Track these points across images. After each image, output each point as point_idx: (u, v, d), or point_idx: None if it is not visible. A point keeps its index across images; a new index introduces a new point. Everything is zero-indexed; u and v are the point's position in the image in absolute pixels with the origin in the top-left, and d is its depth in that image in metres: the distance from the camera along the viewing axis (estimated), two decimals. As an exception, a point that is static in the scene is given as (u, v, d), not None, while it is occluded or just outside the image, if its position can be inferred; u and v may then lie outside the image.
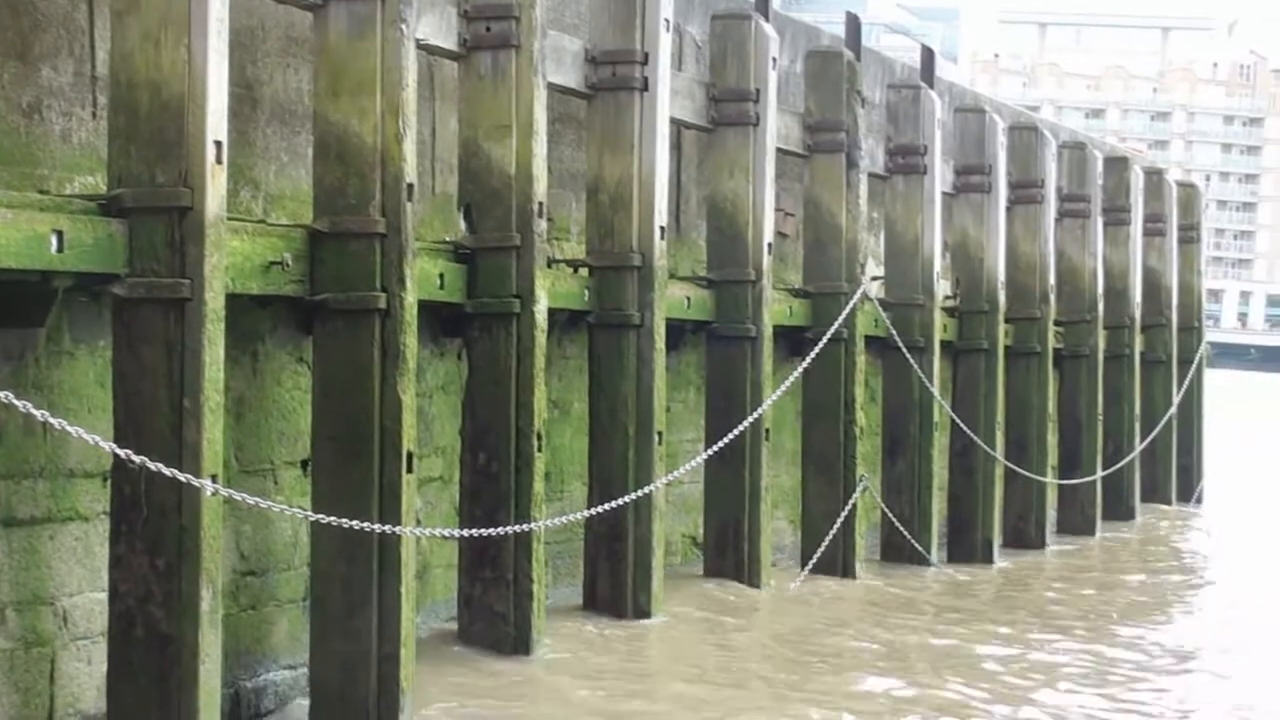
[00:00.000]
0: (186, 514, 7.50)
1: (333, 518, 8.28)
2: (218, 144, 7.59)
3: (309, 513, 8.48)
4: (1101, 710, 10.60)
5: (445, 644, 10.35)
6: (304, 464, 9.29)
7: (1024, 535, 18.03)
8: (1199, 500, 23.90)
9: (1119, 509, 20.86)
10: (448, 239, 10.41)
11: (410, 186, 8.92)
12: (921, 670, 11.37)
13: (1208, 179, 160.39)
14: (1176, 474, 23.07)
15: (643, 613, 11.63)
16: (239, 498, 7.83)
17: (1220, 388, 39.35)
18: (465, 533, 9.83)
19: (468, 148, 10.44)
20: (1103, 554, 18.73)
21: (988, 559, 16.65)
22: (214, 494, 7.51)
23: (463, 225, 10.40)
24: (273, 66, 9.27)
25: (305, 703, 8.98)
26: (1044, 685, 11.13)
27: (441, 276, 9.96)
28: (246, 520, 8.95)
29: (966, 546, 16.75)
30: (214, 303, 7.59)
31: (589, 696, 9.83)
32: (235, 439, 8.81)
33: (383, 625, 8.84)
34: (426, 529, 9.75)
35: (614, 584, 11.70)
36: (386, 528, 8.57)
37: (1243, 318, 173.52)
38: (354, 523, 8.31)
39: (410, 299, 8.92)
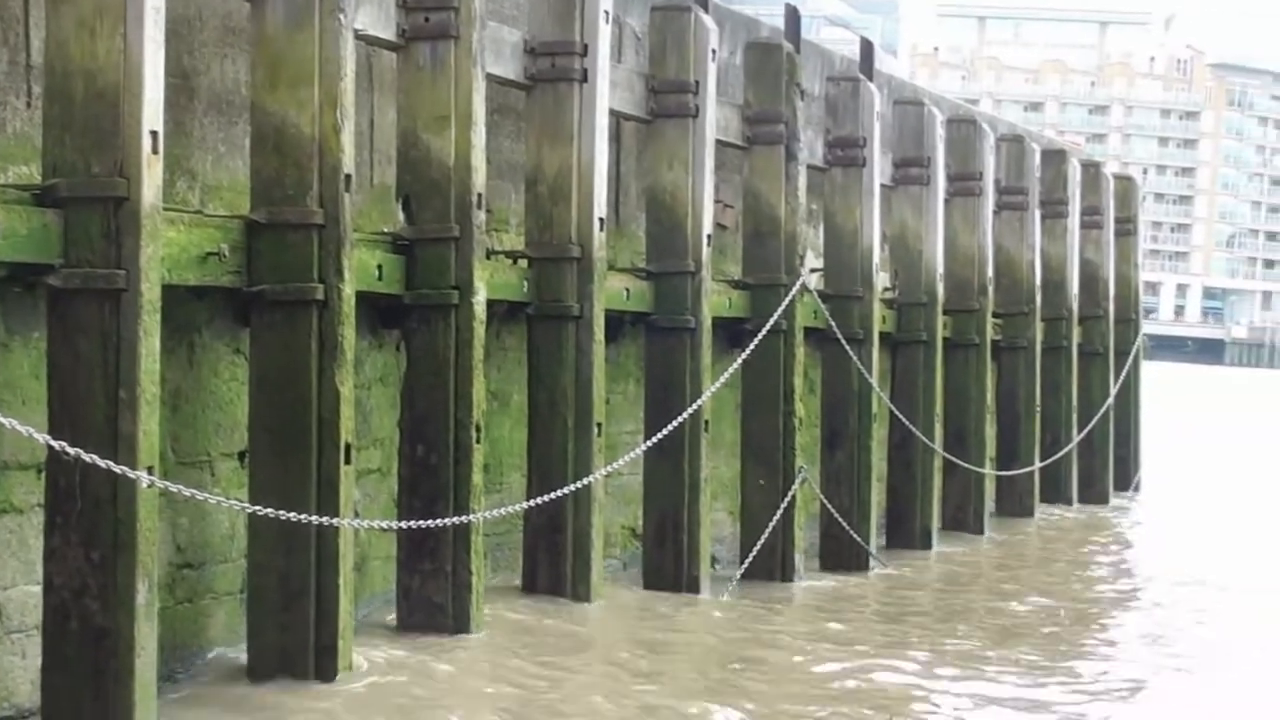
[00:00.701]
0: (122, 506, 7.47)
1: (270, 509, 8.25)
2: (154, 134, 7.56)
3: (246, 505, 8.46)
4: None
5: (384, 636, 10.32)
6: (241, 456, 9.25)
7: (962, 524, 18.15)
8: (1137, 489, 24.08)
9: (1057, 499, 21.00)
10: (386, 230, 10.38)
11: (348, 177, 8.91)
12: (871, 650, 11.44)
13: (1145, 172, 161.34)
14: (1114, 464, 23.20)
15: (582, 602, 11.62)
16: (175, 489, 7.79)
17: (1157, 380, 39.66)
18: (403, 524, 9.81)
19: (406, 139, 10.40)
20: (1039, 541, 18.86)
21: (926, 547, 16.74)
22: (150, 486, 7.48)
23: (401, 216, 10.38)
24: (210, 56, 9.22)
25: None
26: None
27: (380, 268, 9.94)
28: (183, 512, 8.91)
29: (905, 536, 16.84)
30: (150, 294, 7.56)
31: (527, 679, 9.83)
32: (171, 431, 8.77)
33: (321, 617, 8.83)
34: (365, 521, 9.73)
35: (553, 575, 11.69)
36: (324, 519, 8.56)
37: (1180, 310, 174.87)
38: (291, 515, 8.29)
39: (348, 290, 8.90)
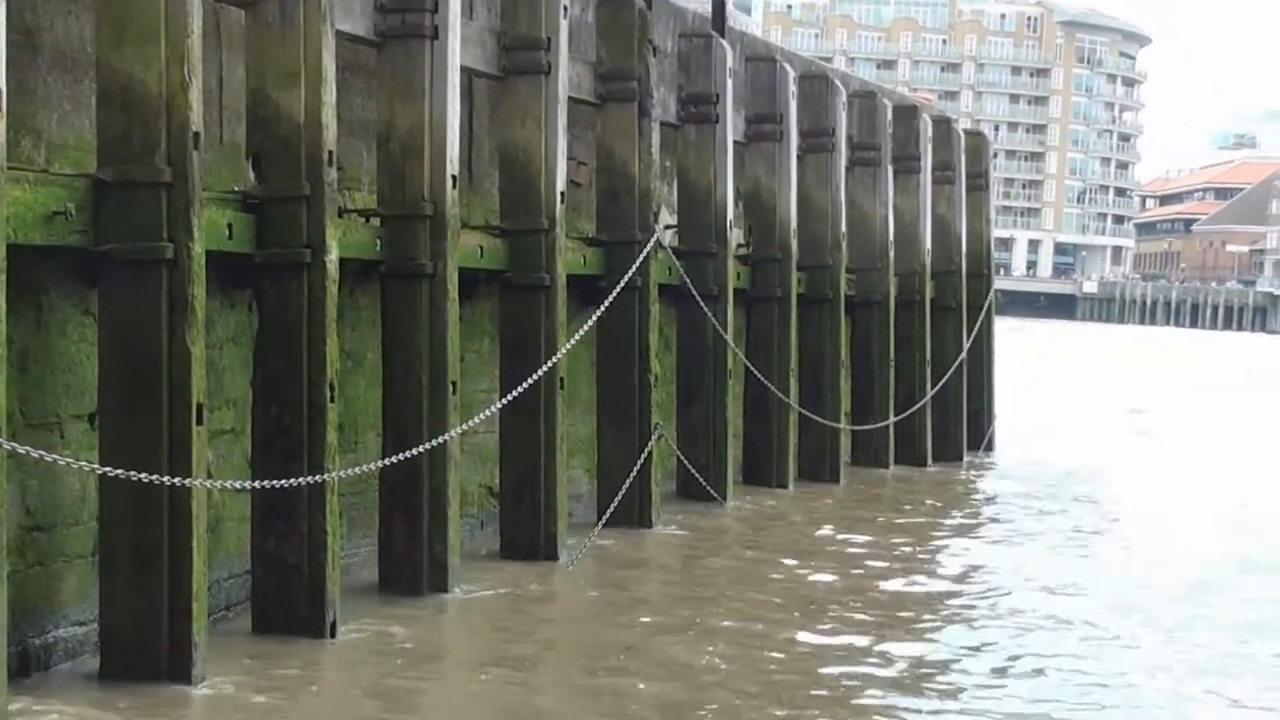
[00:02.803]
0: (-31, 469, 7.37)
1: (121, 471, 8.18)
2: (-4, 92, 7.45)
3: (96, 466, 8.37)
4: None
5: (239, 597, 10.27)
6: (91, 417, 9.14)
7: (818, 478, 18.33)
8: (989, 445, 24.32)
9: (911, 453, 21.17)
10: (236, 189, 10.28)
11: (196, 135, 8.82)
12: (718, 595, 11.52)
13: (997, 129, 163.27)
14: (967, 419, 23.40)
15: (439, 562, 11.60)
16: (24, 451, 7.70)
17: (1011, 334, 40.14)
18: (257, 484, 9.74)
19: (256, 96, 10.30)
20: (894, 489, 19.11)
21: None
22: (-3, 448, 7.38)
23: (251, 175, 10.28)
24: (53, 13, 9.07)
25: (96, 659, 8.88)
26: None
27: (230, 226, 9.84)
28: (33, 475, 8.80)
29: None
30: (-6, 254, 7.45)
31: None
32: (19, 392, 8.64)
33: (174, 580, 8.76)
34: (217, 481, 9.65)
35: (409, 535, 11.65)
36: (176, 480, 8.48)
37: (1032, 266, 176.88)
38: (143, 475, 8.22)
39: (198, 249, 8.82)
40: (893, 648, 10.81)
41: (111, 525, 8.85)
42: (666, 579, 13.01)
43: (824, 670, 10.13)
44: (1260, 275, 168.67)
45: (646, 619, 11.40)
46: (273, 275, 10.24)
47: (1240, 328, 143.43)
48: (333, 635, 10.03)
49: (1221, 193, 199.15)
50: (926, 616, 11.99)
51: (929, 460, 21.51)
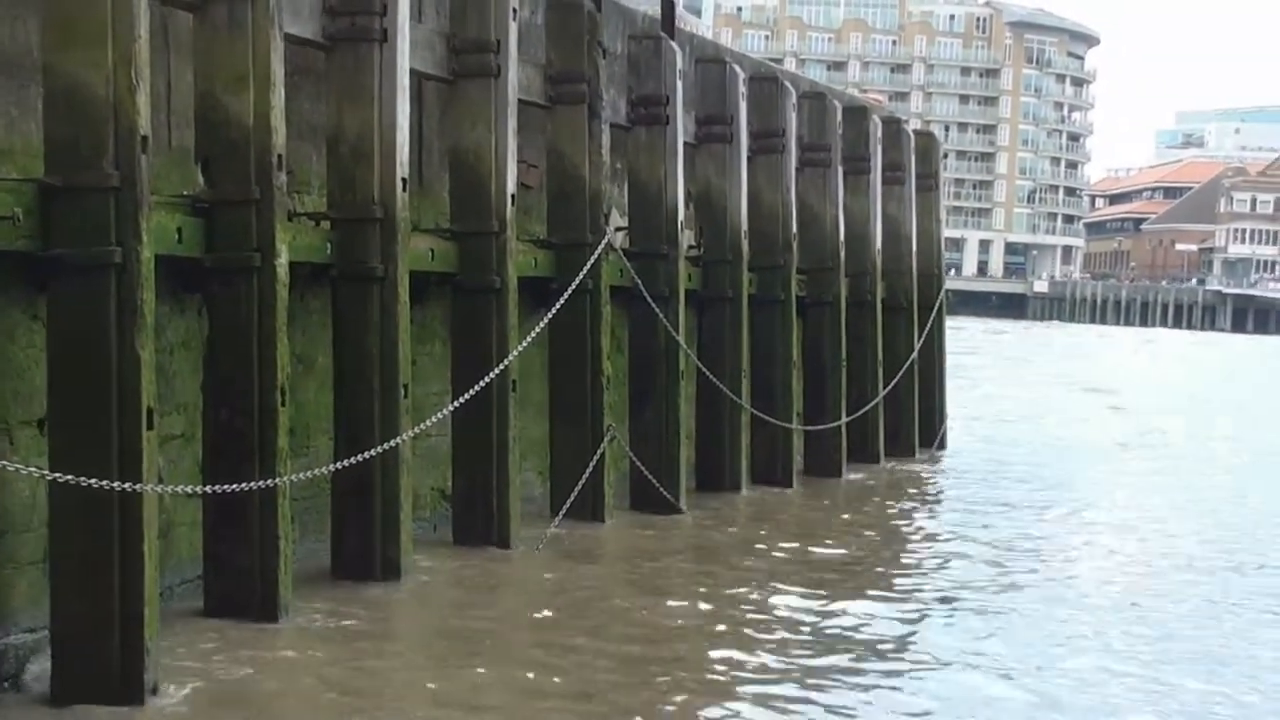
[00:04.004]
0: (-83, 476, 7.33)
1: (70, 476, 8.14)
2: (-58, 97, 7.41)
3: (46, 472, 8.33)
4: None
5: (191, 603, 10.24)
6: (40, 423, 9.10)
7: (771, 479, 18.31)
8: (942, 444, 24.41)
9: (864, 453, 21.22)
10: (186, 193, 10.25)
11: (145, 139, 8.78)
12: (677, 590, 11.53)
13: (946, 130, 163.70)
14: (919, 418, 23.47)
15: (391, 565, 11.59)
16: (-28, 458, 7.66)
17: (962, 334, 40.38)
18: (208, 489, 9.71)
19: (205, 100, 10.28)
20: (847, 493, 19.13)
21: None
22: (-54, 455, 7.34)
23: (201, 179, 10.26)
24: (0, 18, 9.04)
25: (47, 665, 8.83)
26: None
27: (180, 231, 9.82)
28: (-18, 482, 8.76)
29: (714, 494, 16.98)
30: (-59, 259, 7.41)
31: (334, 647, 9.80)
32: (-32, 399, 8.61)
33: (125, 585, 8.71)
34: (168, 486, 9.62)
35: (362, 538, 11.64)
36: (127, 486, 8.45)
37: (983, 266, 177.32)
38: (93, 481, 8.18)
39: (147, 254, 8.78)
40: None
41: (62, 531, 8.80)
42: (615, 572, 13.02)
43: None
44: (1209, 274, 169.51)
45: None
46: (223, 279, 10.22)
47: (1190, 326, 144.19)
48: (285, 639, 10.01)
49: (1170, 192, 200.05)
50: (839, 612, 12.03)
51: (881, 459, 21.56)
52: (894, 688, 9.96)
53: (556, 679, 9.59)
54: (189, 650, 9.54)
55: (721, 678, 9.92)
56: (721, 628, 11.20)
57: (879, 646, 11.01)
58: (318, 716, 8.76)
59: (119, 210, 8.69)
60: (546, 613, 11.31)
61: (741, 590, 12.47)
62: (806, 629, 11.34)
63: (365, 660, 9.71)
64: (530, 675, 9.63)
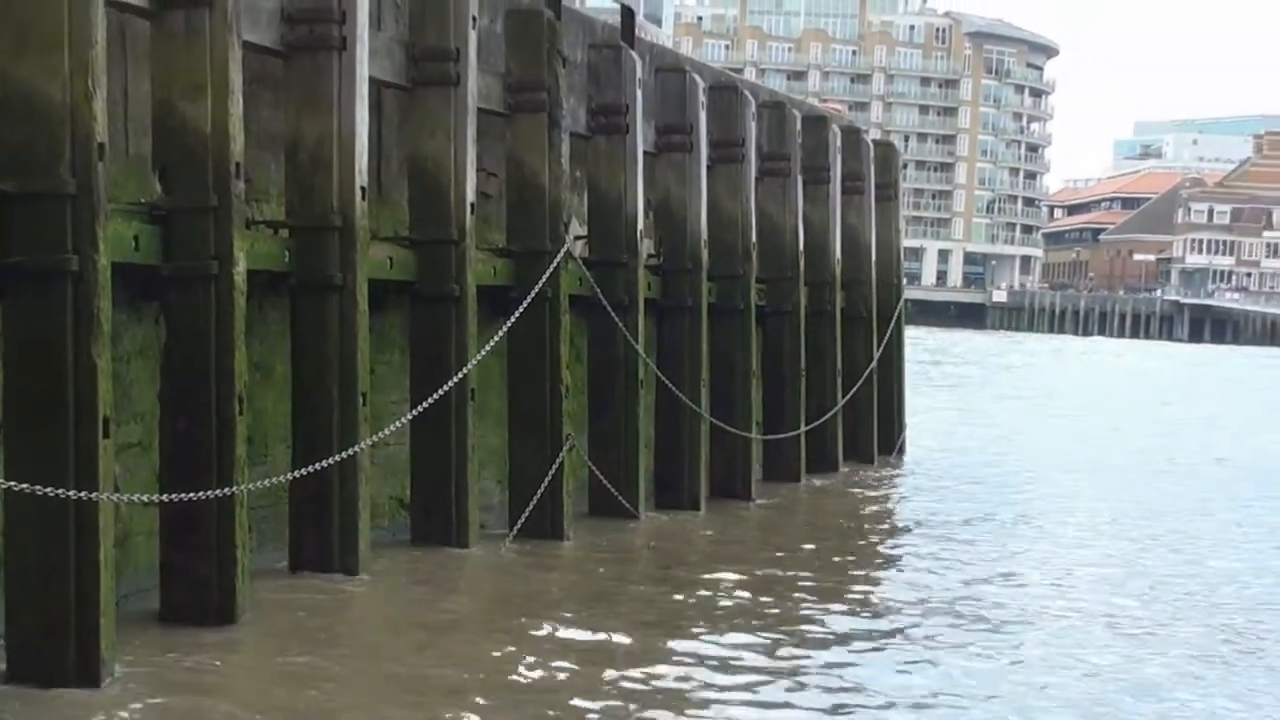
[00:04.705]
0: None
1: (26, 484, 8.10)
2: (-104, 103, 7.37)
3: (1, 480, 8.28)
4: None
5: (148, 612, 10.19)
6: (-4, 432, 9.05)
7: (730, 490, 18.31)
8: (901, 452, 24.49)
9: (823, 462, 21.25)
10: (143, 201, 10.20)
11: (102, 146, 8.74)
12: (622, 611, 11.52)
13: (906, 140, 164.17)
14: (878, 427, 23.53)
15: (349, 573, 11.56)
16: (-73, 467, 7.61)
17: (921, 344, 40.62)
18: (165, 498, 9.67)
19: (162, 108, 10.23)
20: (808, 502, 19.16)
21: (695, 510, 16.94)
22: (-100, 463, 7.30)
23: (158, 186, 10.22)
24: (-45, 24, 8.98)
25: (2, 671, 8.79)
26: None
27: (136, 239, 9.78)
28: (-64, 491, 8.70)
29: (673, 502, 16.95)
30: (-104, 267, 7.37)
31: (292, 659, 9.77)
32: (-78, 407, 8.56)
33: (81, 594, 8.67)
34: (124, 495, 9.57)
35: (320, 547, 11.61)
36: (83, 494, 8.41)
37: (942, 275, 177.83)
38: (49, 489, 8.14)
39: (104, 261, 8.74)
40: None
41: (17, 539, 8.75)
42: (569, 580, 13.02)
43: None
44: (1167, 284, 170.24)
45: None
46: (180, 287, 10.17)
47: (1148, 335, 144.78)
48: (243, 649, 9.96)
49: (1128, 202, 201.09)
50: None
51: (840, 466, 21.62)
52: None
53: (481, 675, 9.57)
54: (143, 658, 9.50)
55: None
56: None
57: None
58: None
59: (75, 218, 8.65)
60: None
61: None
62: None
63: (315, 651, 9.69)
64: (449, 672, 9.60)
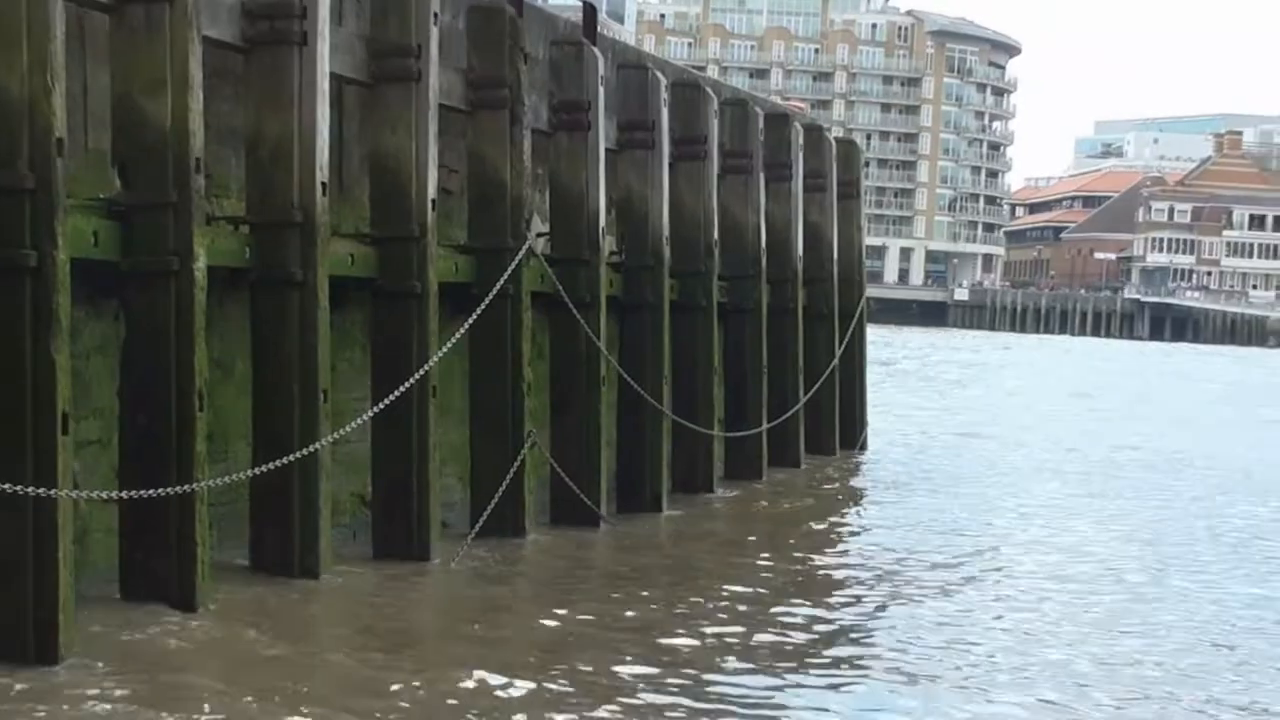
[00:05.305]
0: None
1: (-16, 482, 8.06)
2: None
3: (-41, 478, 8.25)
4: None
5: (108, 609, 10.14)
6: (-47, 428, 9.00)
7: (692, 486, 18.32)
8: (863, 447, 24.57)
9: (786, 458, 21.28)
10: (102, 196, 10.16)
11: (60, 141, 8.71)
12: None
13: (868, 138, 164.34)
14: (841, 423, 23.58)
15: (310, 573, 11.53)
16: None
17: (883, 341, 40.84)
18: (124, 494, 9.63)
19: (121, 103, 10.19)
20: (770, 496, 19.21)
21: (656, 510, 16.89)
22: None
23: (118, 182, 10.17)
24: (-88, 18, 8.93)
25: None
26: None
27: (96, 234, 9.74)
28: (-107, 487, 8.65)
29: (635, 499, 16.94)
30: None
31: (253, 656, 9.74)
32: (-121, 404, 8.51)
33: (40, 591, 8.64)
34: (83, 491, 9.52)
35: (281, 545, 11.56)
36: (41, 490, 8.37)
37: (904, 273, 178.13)
38: (7, 485, 8.10)
39: (62, 257, 8.71)
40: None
41: (-25, 537, 8.72)
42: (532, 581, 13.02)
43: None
44: (1128, 282, 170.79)
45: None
46: (140, 283, 10.14)
47: (1109, 334, 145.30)
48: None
49: (1089, 201, 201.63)
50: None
51: (802, 462, 21.66)
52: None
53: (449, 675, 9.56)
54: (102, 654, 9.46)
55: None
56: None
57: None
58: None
59: (34, 213, 8.62)
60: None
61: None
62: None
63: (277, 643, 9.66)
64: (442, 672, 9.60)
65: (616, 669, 10.06)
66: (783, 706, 9.63)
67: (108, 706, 8.36)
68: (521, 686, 9.44)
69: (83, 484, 10.00)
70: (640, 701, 9.38)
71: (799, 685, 10.10)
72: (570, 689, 9.51)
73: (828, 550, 15.98)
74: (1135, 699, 10.30)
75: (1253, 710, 10.26)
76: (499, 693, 9.32)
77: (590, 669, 10.02)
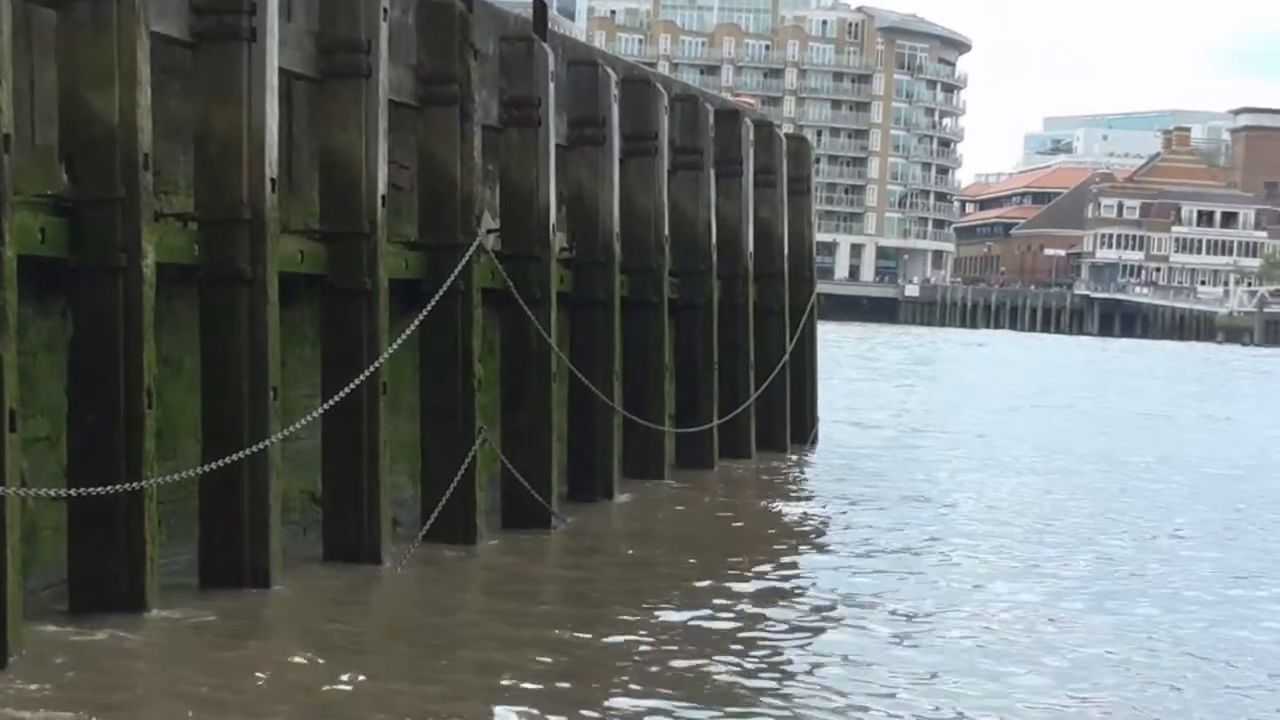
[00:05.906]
0: None
1: (-70, 480, 8.01)
2: None
3: (-95, 476, 8.19)
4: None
5: (57, 608, 10.09)
6: (-101, 426, 8.94)
7: (644, 475, 18.40)
8: (814, 442, 24.64)
9: (737, 453, 21.32)
10: (49, 192, 10.10)
11: (7, 137, 8.67)
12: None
13: (819, 134, 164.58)
14: (791, 418, 23.63)
15: (260, 574, 11.47)
16: None
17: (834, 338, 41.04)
18: (72, 492, 9.58)
19: (68, 98, 10.14)
20: (722, 488, 19.28)
21: (608, 497, 17.15)
22: None
23: (65, 178, 10.11)
24: None
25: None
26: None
27: (43, 230, 9.69)
28: None
29: (587, 494, 16.97)
30: None
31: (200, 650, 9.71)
32: None
33: (-13, 590, 8.59)
34: (32, 490, 9.47)
35: (230, 542, 11.50)
36: (-12, 489, 8.32)
37: (855, 270, 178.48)
38: (-47, 485, 8.05)
39: (9, 254, 8.67)
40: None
41: (-79, 536, 8.66)
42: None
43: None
44: (1077, 278, 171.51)
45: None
46: (87, 280, 10.09)
47: (1059, 330, 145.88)
48: (152, 645, 9.88)
49: (1039, 197, 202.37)
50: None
51: (753, 455, 21.73)
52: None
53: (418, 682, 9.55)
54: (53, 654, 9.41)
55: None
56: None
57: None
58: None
59: (-21, 210, 8.55)
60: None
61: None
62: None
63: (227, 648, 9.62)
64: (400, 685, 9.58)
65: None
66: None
67: (54, 707, 8.32)
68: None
69: (30, 482, 9.94)
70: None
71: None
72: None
73: (768, 526, 16.07)
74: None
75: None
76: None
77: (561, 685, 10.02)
